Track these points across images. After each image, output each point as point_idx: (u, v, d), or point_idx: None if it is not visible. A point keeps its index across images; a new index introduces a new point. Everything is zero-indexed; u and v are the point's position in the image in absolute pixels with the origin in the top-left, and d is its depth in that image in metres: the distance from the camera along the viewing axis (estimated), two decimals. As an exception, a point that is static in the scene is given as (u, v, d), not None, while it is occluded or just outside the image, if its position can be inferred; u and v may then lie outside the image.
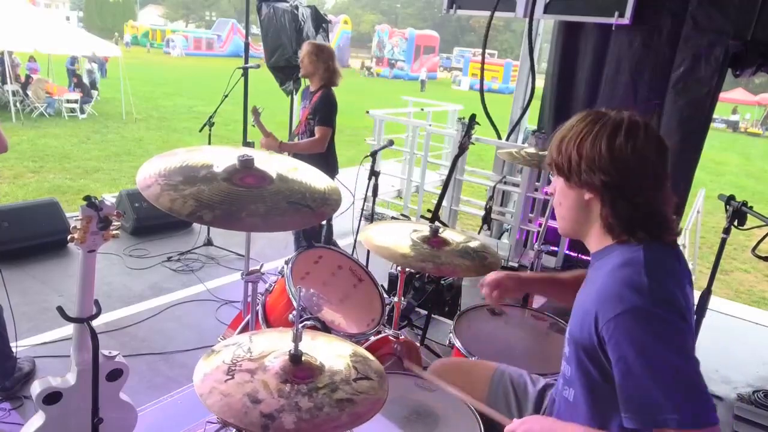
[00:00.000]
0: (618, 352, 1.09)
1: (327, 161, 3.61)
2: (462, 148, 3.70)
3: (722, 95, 8.29)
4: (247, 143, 4.48)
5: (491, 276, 1.66)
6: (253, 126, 3.58)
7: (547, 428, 1.26)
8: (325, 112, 3.53)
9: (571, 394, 1.30)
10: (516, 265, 4.80)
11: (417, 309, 3.47)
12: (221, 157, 1.72)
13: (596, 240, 1.28)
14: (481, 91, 5.01)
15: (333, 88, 3.64)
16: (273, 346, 1.37)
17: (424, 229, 2.21)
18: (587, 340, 1.18)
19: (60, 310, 1.77)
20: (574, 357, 1.25)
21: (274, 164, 1.78)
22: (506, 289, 1.64)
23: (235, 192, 1.58)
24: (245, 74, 4.69)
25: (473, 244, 2.22)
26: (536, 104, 4.95)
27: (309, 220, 1.66)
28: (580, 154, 1.22)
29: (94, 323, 1.82)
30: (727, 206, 2.73)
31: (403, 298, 2.40)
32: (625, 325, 1.08)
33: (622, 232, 1.22)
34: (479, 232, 5.04)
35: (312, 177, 1.82)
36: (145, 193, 1.51)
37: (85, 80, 13.08)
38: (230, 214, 1.51)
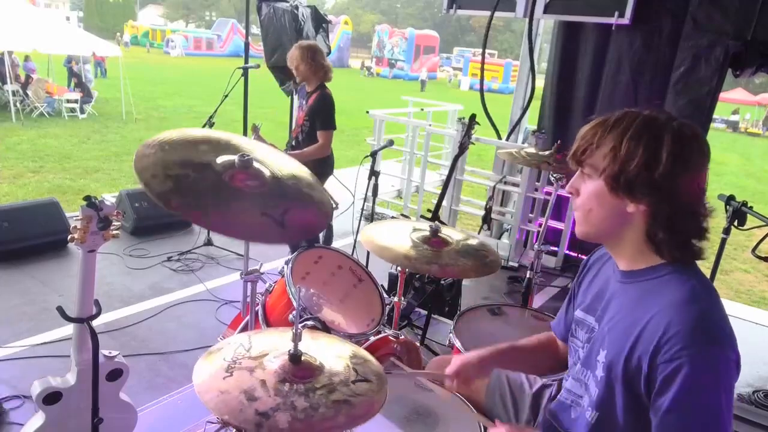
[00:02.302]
0: (680, 386, 1.04)
1: (326, 161, 3.61)
2: (462, 148, 3.71)
3: (722, 95, 8.29)
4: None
5: (452, 368, 1.49)
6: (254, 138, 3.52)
7: None
8: (325, 114, 3.47)
9: (594, 416, 1.27)
10: (516, 265, 4.80)
11: (417, 309, 3.47)
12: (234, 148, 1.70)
13: (632, 255, 1.21)
14: (481, 91, 5.02)
15: (328, 85, 3.57)
16: (273, 345, 1.37)
17: (424, 229, 2.21)
18: (632, 366, 1.13)
19: (60, 310, 1.77)
20: (606, 382, 1.21)
21: (277, 166, 1.77)
22: (468, 378, 1.49)
23: (219, 186, 1.57)
24: (245, 74, 4.69)
25: (473, 242, 2.22)
26: (536, 104, 4.95)
27: (273, 235, 1.62)
28: (640, 165, 1.11)
29: (94, 323, 1.82)
30: (727, 206, 2.73)
31: (403, 298, 2.40)
32: (698, 365, 1.04)
33: (673, 250, 1.16)
34: (479, 232, 5.04)
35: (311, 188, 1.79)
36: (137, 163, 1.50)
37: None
38: (195, 206, 1.49)
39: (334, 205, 1.86)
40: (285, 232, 1.60)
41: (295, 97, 5.75)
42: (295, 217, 1.65)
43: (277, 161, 1.83)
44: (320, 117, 3.46)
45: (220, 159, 1.65)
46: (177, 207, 1.46)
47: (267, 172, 1.71)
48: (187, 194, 1.48)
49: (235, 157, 1.65)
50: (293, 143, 3.65)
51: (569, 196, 1.28)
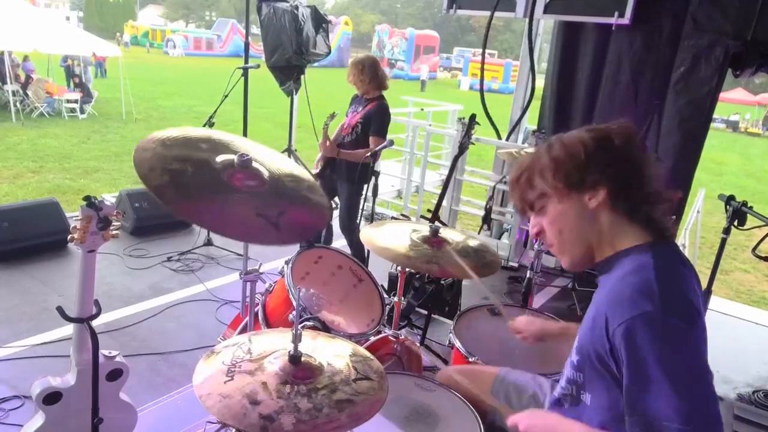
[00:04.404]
0: (627, 356, 1.07)
1: (370, 167, 3.64)
2: (462, 148, 3.71)
3: (722, 95, 8.30)
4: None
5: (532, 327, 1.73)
6: (324, 126, 3.52)
7: (551, 426, 1.26)
8: (380, 122, 3.59)
9: (588, 397, 1.28)
10: (516, 265, 4.80)
11: (417, 309, 3.47)
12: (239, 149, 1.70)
13: (603, 250, 1.26)
14: (481, 91, 5.02)
15: (385, 95, 3.69)
16: (273, 346, 1.37)
17: (424, 229, 2.21)
18: (599, 347, 1.15)
19: (60, 310, 1.77)
20: (584, 365, 1.24)
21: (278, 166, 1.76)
22: (536, 335, 1.73)
23: (217, 184, 1.55)
24: (245, 74, 4.69)
25: (473, 243, 2.22)
26: (536, 104, 4.95)
27: (266, 238, 1.60)
28: (577, 156, 1.21)
29: (94, 323, 1.82)
30: (727, 206, 2.73)
31: (403, 298, 2.40)
32: (636, 331, 1.05)
33: (636, 221, 1.22)
34: (479, 232, 5.04)
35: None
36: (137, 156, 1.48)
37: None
38: (187, 200, 1.47)
39: None
40: (280, 234, 1.58)
41: (296, 98, 5.75)
42: (292, 219, 1.64)
43: (277, 162, 1.83)
44: (376, 123, 3.57)
45: (220, 158, 1.65)
46: (168, 201, 1.44)
47: (266, 173, 1.70)
48: (180, 188, 1.47)
49: (234, 157, 1.65)
50: (341, 141, 3.69)
51: None
